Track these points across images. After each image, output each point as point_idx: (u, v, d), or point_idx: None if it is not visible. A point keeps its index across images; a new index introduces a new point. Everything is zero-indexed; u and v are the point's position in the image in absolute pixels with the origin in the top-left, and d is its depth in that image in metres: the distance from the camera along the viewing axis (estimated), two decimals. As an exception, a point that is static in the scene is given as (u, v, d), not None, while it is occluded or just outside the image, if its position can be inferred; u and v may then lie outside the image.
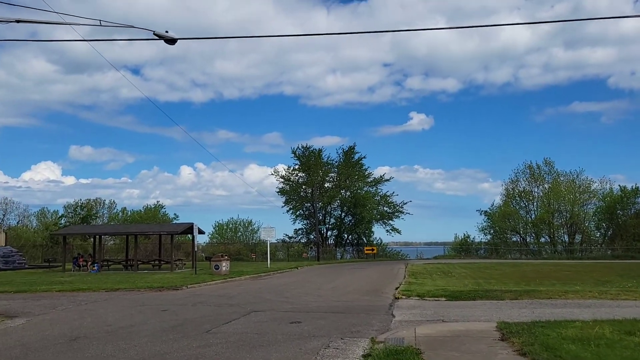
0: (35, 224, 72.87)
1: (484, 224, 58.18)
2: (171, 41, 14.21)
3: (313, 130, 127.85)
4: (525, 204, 57.89)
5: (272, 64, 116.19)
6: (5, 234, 41.71)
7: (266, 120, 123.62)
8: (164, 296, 17.24)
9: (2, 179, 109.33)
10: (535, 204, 57.12)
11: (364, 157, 56.31)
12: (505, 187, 59.63)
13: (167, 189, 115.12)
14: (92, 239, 50.14)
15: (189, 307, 13.93)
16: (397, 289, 18.36)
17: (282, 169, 57.02)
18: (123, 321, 11.50)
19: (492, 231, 57.74)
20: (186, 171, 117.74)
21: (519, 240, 57.89)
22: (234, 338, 9.26)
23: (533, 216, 56.71)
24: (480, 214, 58.94)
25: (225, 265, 28.23)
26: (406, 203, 56.72)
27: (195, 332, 9.95)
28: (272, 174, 57.24)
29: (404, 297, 15.53)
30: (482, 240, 58.97)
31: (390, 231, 55.90)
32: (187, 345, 8.72)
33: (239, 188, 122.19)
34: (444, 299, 14.80)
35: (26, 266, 39.66)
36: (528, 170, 57.67)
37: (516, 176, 58.67)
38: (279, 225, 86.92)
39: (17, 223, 68.27)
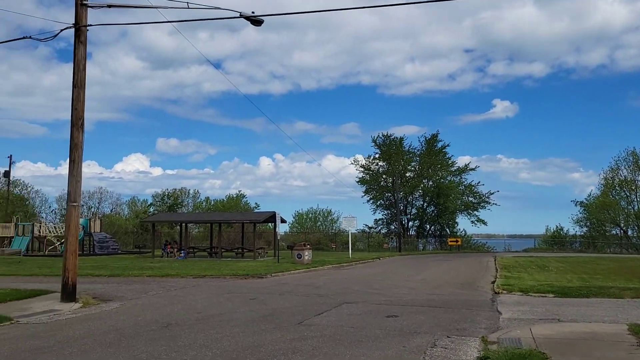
0: (126, 212, 76.83)
1: (579, 215, 54.30)
2: (257, 22, 13.73)
3: (391, 120, 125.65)
4: (626, 194, 53.32)
5: (349, 54, 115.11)
6: (100, 221, 43.95)
7: (343, 111, 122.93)
8: (249, 284, 17.02)
9: (97, 170, 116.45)
10: (638, 194, 52.50)
11: (448, 145, 54.19)
12: (603, 176, 55.21)
13: (247, 180, 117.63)
14: (178, 227, 51.91)
15: (277, 296, 13.51)
16: (493, 282, 17.07)
17: (361, 158, 56.15)
18: (212, 309, 11.22)
19: (588, 223, 53.78)
20: (265, 162, 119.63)
21: (619, 233, 53.55)
22: (329, 332, 8.61)
23: (636, 207, 52.22)
24: (575, 205, 54.97)
25: (307, 255, 27.91)
26: (493, 193, 54.06)
27: (287, 323, 9.41)
28: (352, 163, 56.41)
29: (504, 292, 14.29)
30: (577, 232, 55.14)
31: (476, 222, 53.53)
32: (280, 337, 8.17)
33: (316, 179, 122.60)
34: (551, 295, 13.42)
35: (119, 251, 41.59)
36: (631, 158, 52.99)
37: (617, 164, 54.06)
38: (357, 215, 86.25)
39: (111, 211, 72.25)
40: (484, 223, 53.64)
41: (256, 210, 58.97)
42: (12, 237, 41.05)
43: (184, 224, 37.52)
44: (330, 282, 17.71)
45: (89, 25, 12.44)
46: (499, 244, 57.35)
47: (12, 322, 9.82)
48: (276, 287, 15.69)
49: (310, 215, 60.66)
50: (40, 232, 41.60)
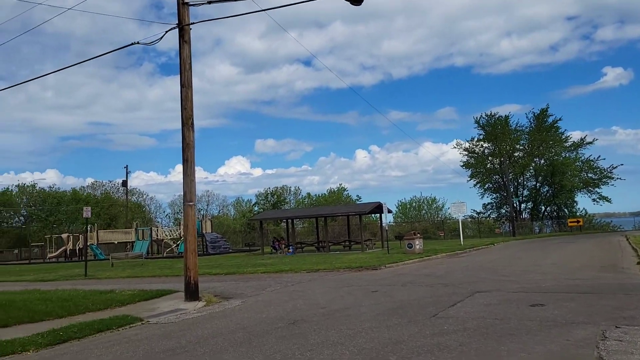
0: (233, 213, 79.91)
1: None
2: (356, 2, 13.01)
3: (489, 100, 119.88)
4: None
5: (441, 36, 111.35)
6: (211, 222, 45.74)
7: (438, 96, 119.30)
8: (365, 276, 16.41)
9: (202, 175, 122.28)
10: None
11: (559, 120, 50.24)
12: None
13: (344, 174, 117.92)
14: (283, 223, 52.72)
15: (399, 287, 12.75)
16: (639, 263, 15.13)
17: (457, 142, 53.69)
18: (335, 303, 10.70)
19: None
20: (361, 155, 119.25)
21: None
22: (472, 324, 7.71)
23: None
24: None
25: (418, 244, 26.88)
26: (616, 167, 49.32)
27: (420, 316, 8.63)
28: (455, 147, 54.19)
29: (660, 273, 12.49)
30: None
31: (598, 200, 49.16)
32: (418, 332, 7.41)
33: (414, 167, 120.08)
34: None
35: (230, 250, 42.98)
36: None
37: None
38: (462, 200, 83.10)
39: (218, 212, 75.39)
40: (608, 200, 49.15)
41: (358, 203, 58.61)
42: (134, 241, 43.85)
43: (289, 220, 37.85)
44: (451, 270, 16.64)
45: (191, 24, 12.42)
46: (625, 222, 52.42)
47: (143, 322, 9.93)
48: (395, 278, 14.94)
49: (414, 204, 59.23)
50: (157, 236, 44.07)
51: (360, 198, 63.24)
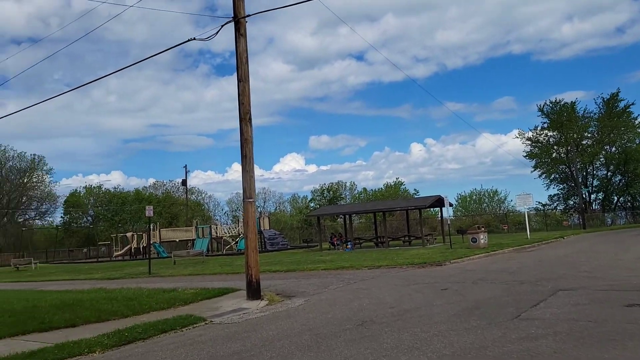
0: (289, 209, 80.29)
1: None
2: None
3: (550, 88, 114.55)
4: None
5: (497, 24, 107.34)
6: (268, 218, 45.96)
7: (495, 86, 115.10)
8: (431, 273, 15.69)
9: (258, 173, 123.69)
10: None
11: (632, 105, 47.15)
12: None
13: (399, 168, 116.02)
14: (340, 219, 52.24)
15: (470, 285, 12.00)
16: None
17: (519, 132, 51.36)
18: (404, 302, 10.11)
19: None
20: (416, 148, 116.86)
21: None
22: (562, 328, 6.94)
23: None
24: None
25: (483, 238, 25.78)
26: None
27: (500, 317, 7.92)
28: (517, 137, 51.98)
29: None
30: None
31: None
32: (502, 336, 6.72)
33: (471, 159, 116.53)
34: None
35: (288, 247, 42.98)
36: None
37: None
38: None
39: (275, 209, 75.94)
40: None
41: (416, 197, 57.40)
42: (194, 239, 44.65)
43: (347, 216, 37.36)
44: (523, 266, 15.65)
45: (247, 16, 12.11)
46: None
47: (206, 322, 9.70)
48: (464, 275, 14.16)
49: (474, 196, 57.39)
50: (217, 233, 44.68)
51: (417, 192, 62.01)
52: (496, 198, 56.42)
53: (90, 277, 24.72)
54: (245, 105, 12.14)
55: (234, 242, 43.05)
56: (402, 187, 63.86)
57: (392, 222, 49.16)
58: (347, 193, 75.22)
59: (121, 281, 21.00)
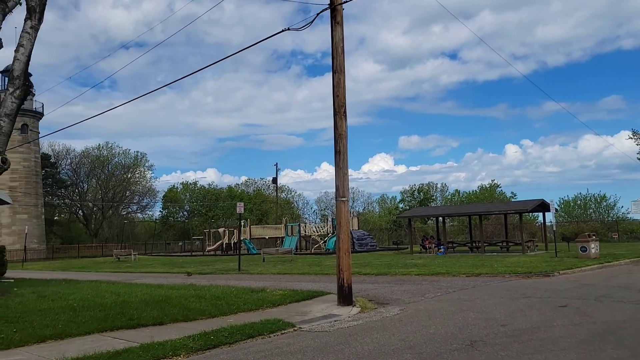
0: (377, 210, 79.12)
1: None
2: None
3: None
4: None
5: (605, 18, 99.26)
6: (357, 218, 45.19)
7: (601, 84, 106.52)
8: (539, 284, 14.10)
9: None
10: None
11: None
12: None
13: (492, 170, 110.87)
14: (431, 221, 50.40)
15: (592, 302, 10.44)
16: None
17: (632, 132, 46.54)
18: (517, 320, 8.85)
19: None
20: (511, 150, 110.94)
21: None
22: None
23: None
24: None
25: (594, 247, 23.34)
26: None
27: (646, 348, 6.52)
28: (630, 138, 47.32)
29: None
30: None
31: None
32: (656, 375, 5.41)
33: (572, 162, 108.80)
34: None
35: (377, 248, 41.97)
36: None
37: None
38: (631, 198, 73.09)
39: (363, 209, 75.10)
40: None
41: (513, 200, 54.15)
42: (283, 237, 44.87)
43: (441, 218, 35.70)
44: (652, 282, 13.64)
45: (343, 2, 11.34)
46: None
47: (295, 329, 9.03)
48: (581, 290, 12.50)
49: (579, 201, 53.12)
50: (305, 232, 44.58)
51: (515, 195, 58.56)
52: (604, 204, 51.81)
53: (183, 270, 25.20)
54: (340, 97, 11.38)
55: (322, 242, 42.72)
56: (498, 189, 60.60)
57: (487, 227, 46.59)
58: (438, 195, 72.83)
59: (211, 277, 21.10)
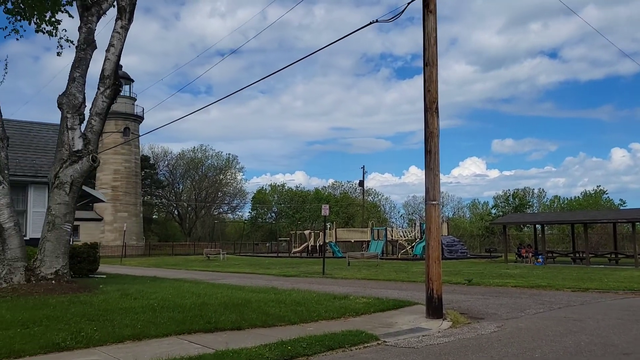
0: (468, 215, 76.01)
1: None
2: None
3: None
4: None
5: None
6: (447, 224, 43.37)
7: None
8: (662, 305, 12.27)
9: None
10: None
11: None
12: None
13: (596, 175, 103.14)
14: (527, 228, 47.41)
15: None
16: None
17: None
18: (642, 348, 7.51)
19: None
20: (618, 154, 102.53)
21: None
22: None
23: None
24: None
25: None
26: None
27: None
28: None
29: None
30: None
31: None
32: None
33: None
34: None
35: (468, 255, 39.99)
36: None
37: None
38: None
39: (453, 214, 72.46)
40: None
41: (622, 208, 49.64)
42: (369, 241, 44.05)
43: (538, 226, 33.26)
44: None
45: (435, -12, 10.44)
46: None
47: (379, 342, 8.26)
48: None
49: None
50: (392, 236, 43.48)
51: (624, 203, 53.58)
52: None
53: (268, 272, 25.17)
54: (431, 93, 10.48)
55: (409, 247, 41.43)
56: (604, 196, 55.88)
57: (592, 236, 42.92)
58: (535, 201, 68.66)
59: (295, 280, 20.78)
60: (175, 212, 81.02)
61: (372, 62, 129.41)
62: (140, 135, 58.16)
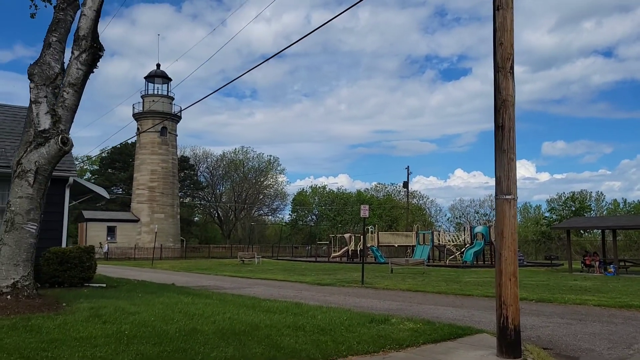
0: (519, 219, 71.44)
1: None
2: None
3: None
4: None
5: None
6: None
7: None
8: None
9: (483, 180, 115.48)
10: None
11: None
12: None
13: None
14: (587, 234, 43.18)
15: None
16: None
17: None
18: None
19: None
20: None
21: None
22: None
23: None
24: None
25: None
26: None
27: None
28: None
29: None
30: None
31: None
32: None
33: None
34: None
35: (525, 263, 36.33)
36: None
37: None
38: None
39: (503, 218, 68.01)
40: None
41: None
42: (414, 245, 40.90)
43: (607, 231, 29.44)
44: None
45: None
46: None
47: (435, 402, 5.52)
48: None
49: None
50: (439, 241, 40.21)
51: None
52: None
53: (301, 279, 22.63)
54: (504, 46, 7.64)
55: (458, 253, 38.07)
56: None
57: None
58: (593, 204, 63.75)
59: (329, 290, 18.16)
60: (215, 215, 79.77)
61: (416, 64, 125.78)
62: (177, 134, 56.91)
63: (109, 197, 17.38)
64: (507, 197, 7.49)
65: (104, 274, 24.47)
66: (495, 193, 7.64)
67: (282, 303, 11.14)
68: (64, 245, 12.46)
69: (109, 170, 70.30)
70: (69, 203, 13.92)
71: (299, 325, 8.14)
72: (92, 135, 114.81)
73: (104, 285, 13.07)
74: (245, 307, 9.92)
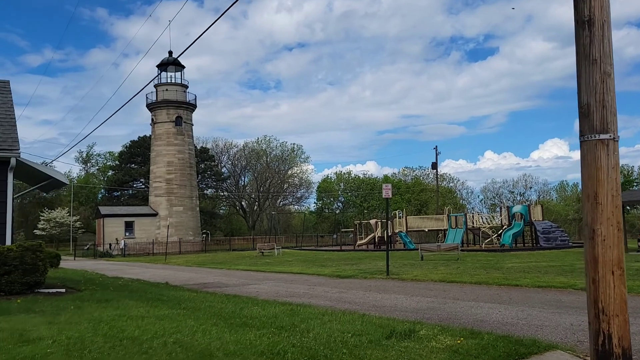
0: (554, 198, 67.43)
1: None
2: None
3: None
4: None
5: None
6: (542, 207, 36.18)
7: None
8: None
9: (514, 161, 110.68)
10: None
11: None
12: None
13: None
14: (635, 209, 39.29)
15: None
16: None
17: None
18: None
19: None
20: None
21: None
22: None
23: None
24: None
25: None
26: None
27: None
28: None
29: None
30: None
31: None
32: None
33: None
34: None
35: (570, 244, 32.86)
36: None
37: None
38: None
39: (538, 197, 64.16)
40: None
41: None
42: (446, 229, 37.79)
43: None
44: None
45: None
46: None
47: None
48: None
49: None
50: (473, 223, 36.98)
51: None
52: None
53: (319, 271, 19.94)
54: None
55: (495, 235, 34.79)
56: None
57: None
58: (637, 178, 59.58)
59: (348, 283, 15.42)
60: (239, 206, 77.72)
61: (442, 46, 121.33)
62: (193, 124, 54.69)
63: (67, 183, 15.00)
64: (603, 136, 4.54)
65: (101, 273, 22.23)
66: (580, 131, 4.68)
67: (274, 309, 8.40)
68: (8, 242, 10.01)
69: (129, 165, 68.80)
70: (33, 192, 11.49)
71: (277, 351, 5.34)
72: (121, 134, 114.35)
73: (63, 290, 10.57)
74: (217, 317, 7.21)
